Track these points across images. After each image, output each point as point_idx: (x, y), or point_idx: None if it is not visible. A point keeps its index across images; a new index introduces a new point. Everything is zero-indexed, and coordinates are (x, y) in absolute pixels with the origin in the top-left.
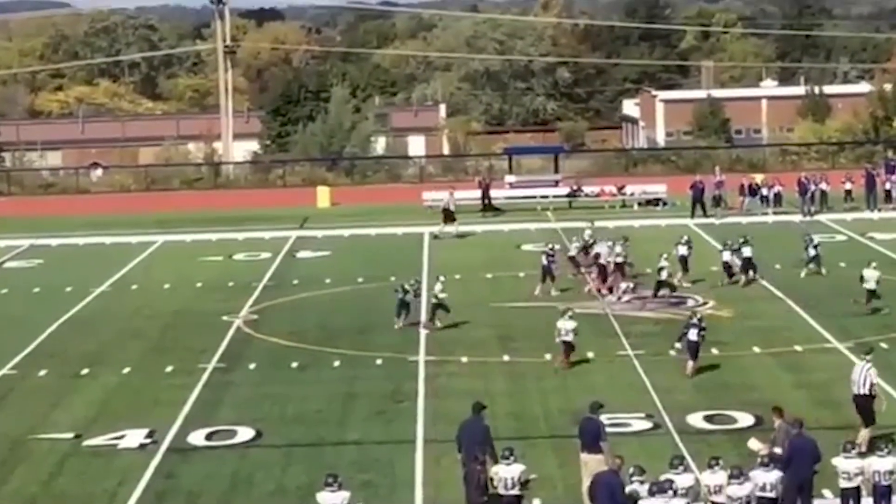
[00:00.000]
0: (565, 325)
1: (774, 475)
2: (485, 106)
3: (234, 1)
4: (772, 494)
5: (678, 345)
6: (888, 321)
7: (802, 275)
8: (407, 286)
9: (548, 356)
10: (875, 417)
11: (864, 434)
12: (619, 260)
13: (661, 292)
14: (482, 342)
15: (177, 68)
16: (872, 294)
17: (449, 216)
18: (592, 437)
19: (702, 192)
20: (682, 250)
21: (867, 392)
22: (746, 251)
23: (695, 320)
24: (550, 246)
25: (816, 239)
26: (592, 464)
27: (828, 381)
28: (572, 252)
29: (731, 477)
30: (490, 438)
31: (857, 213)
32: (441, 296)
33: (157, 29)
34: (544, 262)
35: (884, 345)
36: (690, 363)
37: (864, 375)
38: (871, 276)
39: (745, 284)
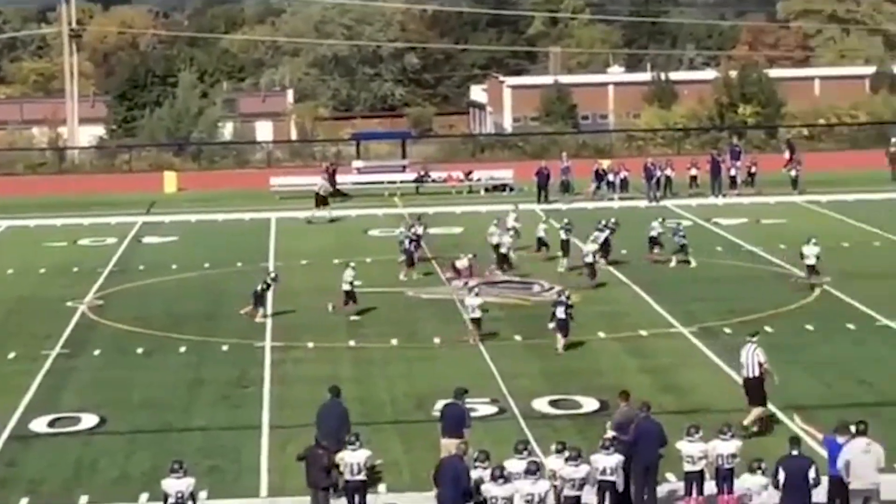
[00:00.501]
0: (472, 301)
1: (615, 459)
2: (333, 91)
3: None
4: (612, 478)
5: (551, 325)
6: (733, 306)
7: (673, 264)
8: (268, 279)
9: (394, 341)
10: (766, 398)
11: (756, 413)
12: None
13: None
14: (329, 328)
15: (21, 52)
16: (812, 270)
17: (321, 200)
18: (455, 423)
19: (547, 178)
20: (562, 234)
21: (757, 374)
22: (602, 236)
23: (562, 298)
24: (414, 230)
25: (678, 229)
26: (454, 449)
27: (672, 365)
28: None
29: (567, 459)
30: (349, 421)
31: (703, 198)
32: (353, 283)
33: (0, 12)
34: (408, 246)
35: (727, 330)
36: (561, 340)
37: (752, 357)
38: (810, 252)
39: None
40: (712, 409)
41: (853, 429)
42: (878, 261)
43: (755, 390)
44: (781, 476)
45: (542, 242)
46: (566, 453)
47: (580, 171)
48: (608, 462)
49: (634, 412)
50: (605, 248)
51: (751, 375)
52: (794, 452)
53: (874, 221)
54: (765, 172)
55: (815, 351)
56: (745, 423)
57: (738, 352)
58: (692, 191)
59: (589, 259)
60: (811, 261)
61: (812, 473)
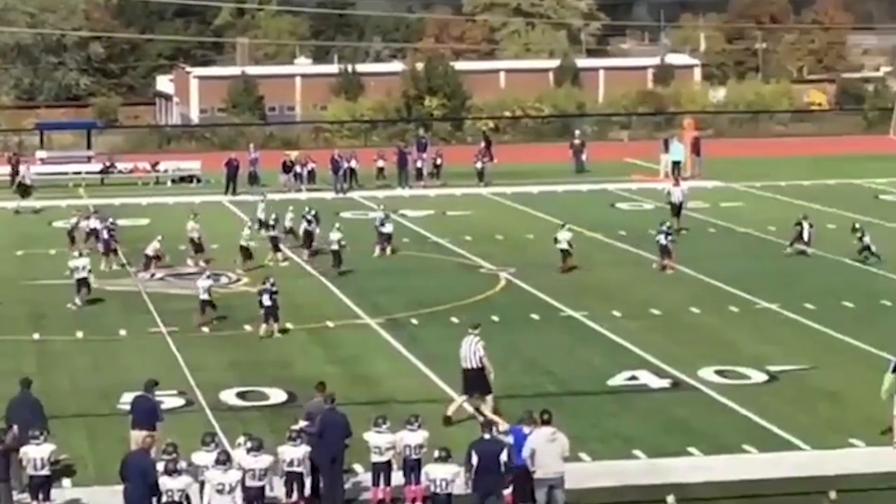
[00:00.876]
0: (203, 283)
1: (302, 450)
2: (15, 80)
3: None
4: (299, 469)
5: (261, 311)
6: (420, 297)
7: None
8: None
9: (79, 334)
10: (491, 387)
11: (489, 402)
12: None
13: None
14: (12, 320)
15: None
16: (566, 254)
17: (25, 190)
18: (146, 415)
19: (236, 170)
20: (305, 225)
21: (477, 365)
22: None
23: (267, 285)
24: (111, 220)
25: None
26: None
27: (359, 356)
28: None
29: (248, 450)
30: (44, 415)
31: (390, 190)
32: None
33: None
34: (105, 235)
35: (414, 321)
36: (263, 326)
37: (473, 349)
38: (563, 237)
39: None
40: (399, 400)
41: (537, 418)
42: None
43: (475, 381)
44: (474, 459)
45: (290, 231)
46: (248, 444)
47: (269, 163)
48: (295, 453)
49: (318, 402)
50: (308, 239)
51: (471, 366)
52: (486, 436)
53: (558, 213)
54: (451, 164)
55: (499, 341)
56: (449, 413)
57: (458, 343)
58: (379, 182)
59: (335, 247)
60: (563, 245)
61: (504, 457)
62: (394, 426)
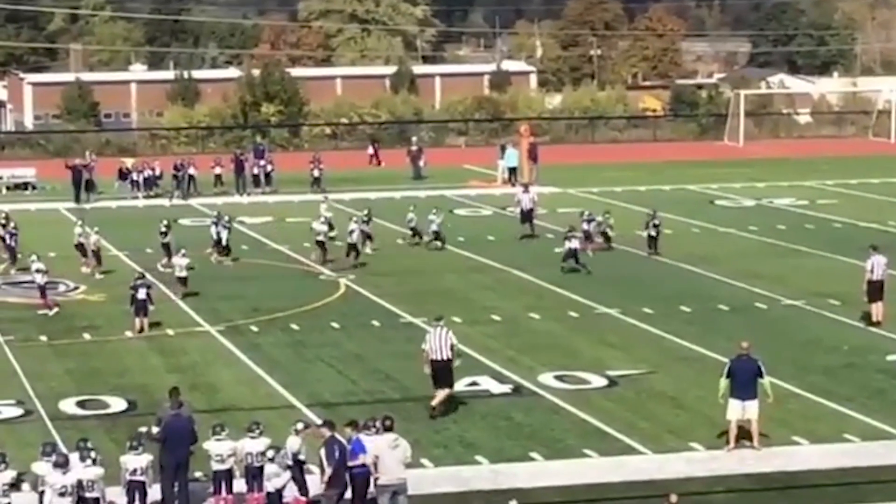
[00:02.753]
0: (180, 261)
1: (145, 458)
2: None
3: None
4: (142, 478)
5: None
6: (259, 304)
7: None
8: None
9: None
10: (453, 380)
11: (443, 395)
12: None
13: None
14: None
15: None
16: (437, 235)
17: None
18: None
19: (80, 176)
20: (213, 230)
21: (448, 357)
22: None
23: (140, 281)
24: (13, 224)
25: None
26: None
27: (199, 363)
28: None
29: (55, 465)
30: None
31: (228, 196)
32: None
33: None
34: (8, 241)
35: (254, 328)
36: (137, 321)
37: (443, 339)
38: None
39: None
40: (240, 407)
41: (380, 425)
42: (400, 258)
43: (444, 372)
44: (325, 455)
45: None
46: (53, 458)
47: (105, 170)
48: (138, 462)
49: (189, 419)
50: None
51: (441, 358)
52: (332, 434)
53: (397, 220)
54: (289, 171)
55: (340, 348)
56: (434, 403)
57: (427, 337)
58: (217, 189)
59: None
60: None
61: (323, 453)
62: (235, 433)
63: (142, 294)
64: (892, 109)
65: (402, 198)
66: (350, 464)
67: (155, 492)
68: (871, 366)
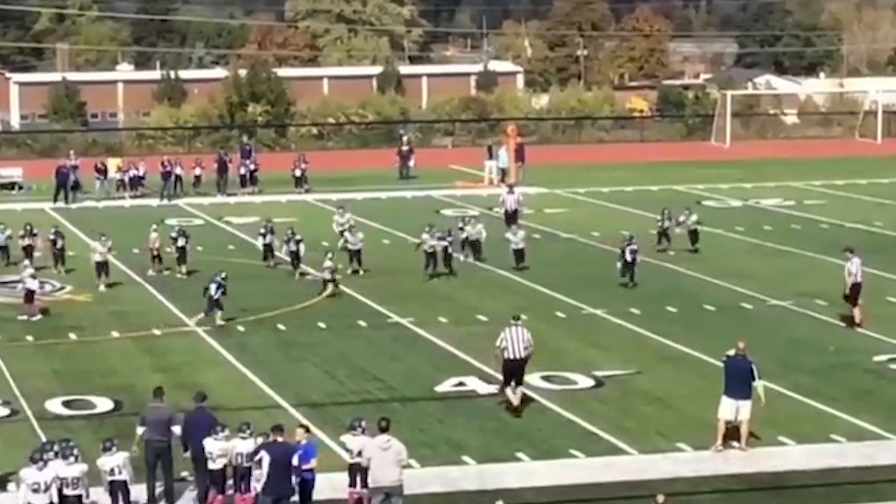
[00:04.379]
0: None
1: (120, 457)
2: None
3: None
4: (122, 477)
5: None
6: (246, 304)
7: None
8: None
9: None
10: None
11: (518, 393)
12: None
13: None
14: None
15: None
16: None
17: None
18: None
19: (66, 177)
20: (181, 242)
21: (525, 355)
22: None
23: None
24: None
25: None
26: None
27: (187, 363)
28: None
29: (31, 460)
30: None
31: (213, 197)
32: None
33: None
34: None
35: (240, 328)
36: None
37: (521, 338)
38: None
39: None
40: (228, 408)
41: (364, 425)
42: (388, 258)
43: (519, 371)
44: (265, 459)
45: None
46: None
47: (90, 170)
48: (114, 461)
49: (168, 409)
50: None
51: (517, 356)
52: (280, 439)
53: (383, 219)
54: (275, 171)
55: (327, 348)
56: (516, 404)
57: (505, 334)
58: (198, 189)
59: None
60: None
61: (295, 461)
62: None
63: (214, 291)
64: (878, 110)
65: (388, 198)
66: (304, 468)
67: (139, 491)
68: (858, 366)
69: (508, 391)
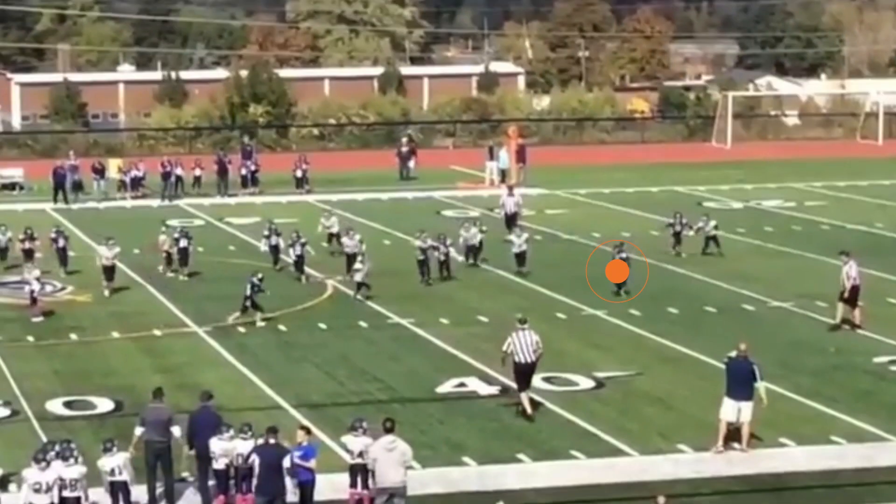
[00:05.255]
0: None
1: (120, 457)
2: None
3: None
4: (122, 477)
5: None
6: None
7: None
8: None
9: None
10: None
11: (525, 397)
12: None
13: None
14: None
15: None
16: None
17: None
18: None
19: (63, 178)
20: (183, 243)
21: (534, 359)
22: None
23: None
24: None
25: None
26: None
27: (187, 364)
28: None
29: (33, 460)
30: None
31: (213, 198)
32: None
33: None
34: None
35: (241, 329)
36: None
37: (529, 342)
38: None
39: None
40: (229, 408)
41: (366, 425)
42: (388, 259)
43: (528, 375)
44: (256, 461)
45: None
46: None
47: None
48: (114, 462)
49: (167, 410)
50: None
51: (526, 361)
52: (272, 441)
53: (384, 220)
54: (275, 172)
55: (327, 349)
56: (529, 412)
57: (512, 339)
58: (197, 190)
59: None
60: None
61: (286, 463)
62: None
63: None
64: (879, 112)
65: (389, 199)
66: (304, 465)
67: (140, 492)
68: (858, 367)
69: (524, 397)
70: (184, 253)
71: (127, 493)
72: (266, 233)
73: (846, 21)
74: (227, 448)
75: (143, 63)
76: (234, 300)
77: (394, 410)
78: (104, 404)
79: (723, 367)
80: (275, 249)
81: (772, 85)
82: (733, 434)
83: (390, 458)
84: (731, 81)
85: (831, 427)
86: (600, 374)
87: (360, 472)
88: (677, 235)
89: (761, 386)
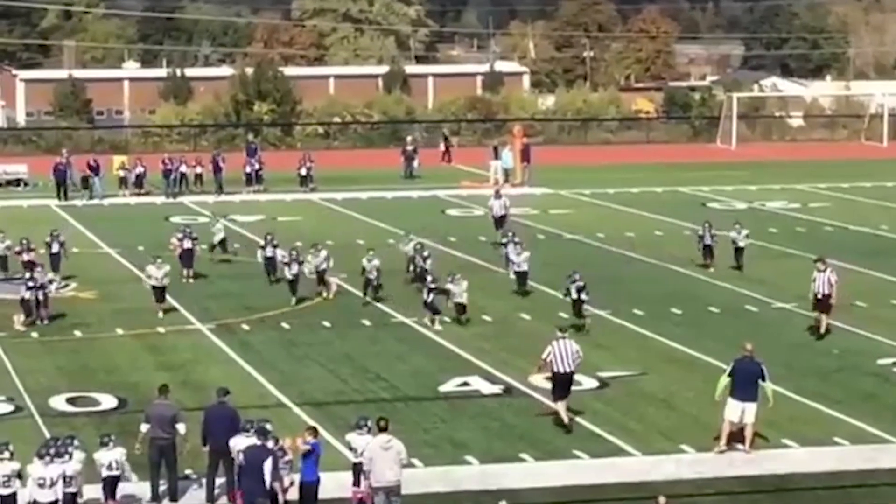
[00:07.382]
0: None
1: (117, 452)
2: None
3: None
4: (117, 472)
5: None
6: (250, 303)
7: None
8: None
9: None
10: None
11: (562, 406)
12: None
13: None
14: None
15: None
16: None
17: None
18: None
19: (64, 174)
20: (188, 244)
21: (573, 369)
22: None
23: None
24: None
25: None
26: None
27: (190, 361)
28: None
29: (38, 456)
30: None
31: (214, 195)
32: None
33: None
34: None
35: (245, 326)
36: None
37: (569, 351)
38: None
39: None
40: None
41: (373, 425)
42: (391, 258)
43: (567, 384)
44: (241, 458)
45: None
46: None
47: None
48: (111, 456)
49: (172, 406)
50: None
51: (566, 370)
52: (258, 442)
53: (389, 219)
54: (280, 170)
55: (331, 347)
56: (566, 421)
57: (552, 347)
58: (197, 188)
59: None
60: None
61: (268, 465)
62: None
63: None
64: (884, 113)
65: (393, 198)
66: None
67: (136, 487)
68: (862, 369)
69: (560, 406)
70: (189, 254)
71: (114, 488)
72: (263, 243)
73: (852, 22)
74: (231, 446)
75: (148, 60)
76: (238, 298)
77: (397, 409)
78: (107, 401)
79: (727, 368)
80: (271, 261)
81: (777, 86)
82: (736, 435)
83: (386, 457)
84: (736, 82)
85: (834, 429)
86: (604, 374)
87: (362, 470)
88: (708, 249)
89: (768, 386)
